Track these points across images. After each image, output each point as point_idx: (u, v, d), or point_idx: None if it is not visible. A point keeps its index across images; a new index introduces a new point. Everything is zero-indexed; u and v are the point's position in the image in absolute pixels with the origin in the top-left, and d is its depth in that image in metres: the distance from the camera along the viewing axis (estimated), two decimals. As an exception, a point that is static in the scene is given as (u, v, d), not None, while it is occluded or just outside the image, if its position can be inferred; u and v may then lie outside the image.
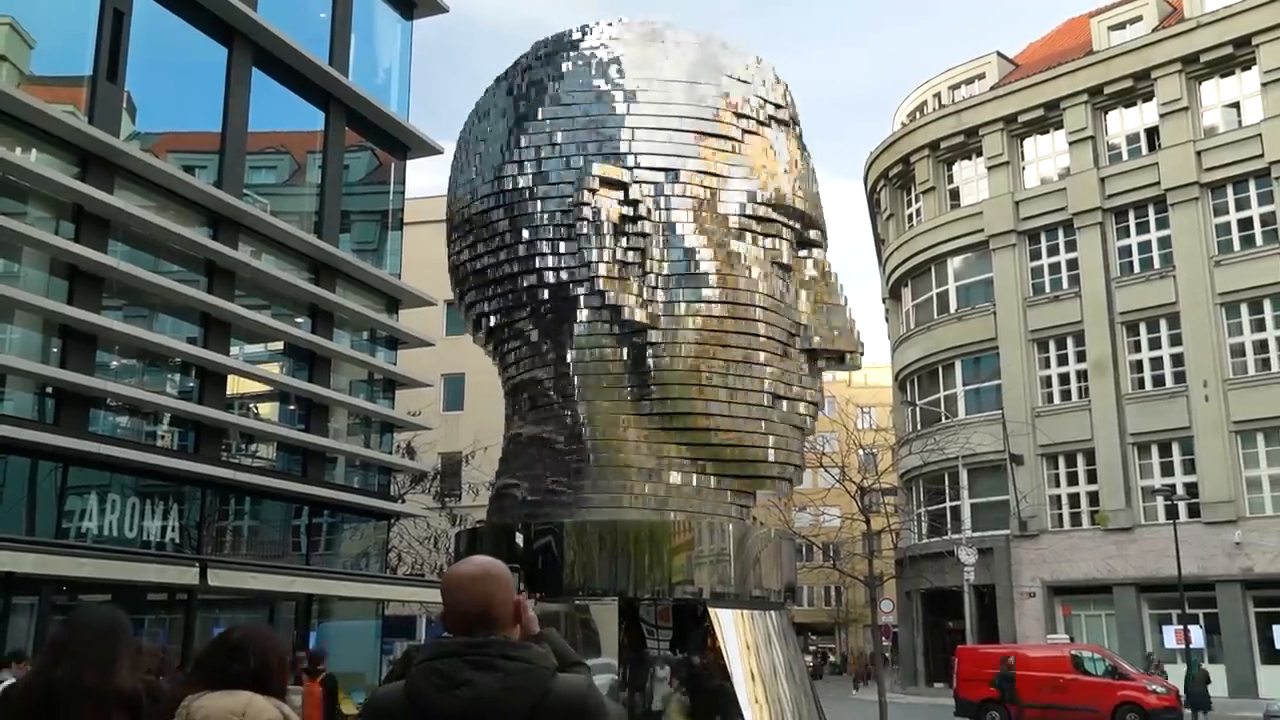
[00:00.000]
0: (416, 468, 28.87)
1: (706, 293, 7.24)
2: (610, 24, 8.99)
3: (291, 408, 22.00)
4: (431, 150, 25.83)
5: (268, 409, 22.12)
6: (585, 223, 7.37)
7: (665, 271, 7.15)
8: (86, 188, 16.63)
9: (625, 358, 8.64)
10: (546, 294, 8.92)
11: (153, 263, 18.41)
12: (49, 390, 16.61)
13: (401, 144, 25.38)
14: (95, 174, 17.15)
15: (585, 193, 7.33)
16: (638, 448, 8.67)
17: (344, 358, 22.75)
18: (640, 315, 7.09)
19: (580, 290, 8.50)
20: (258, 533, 21.29)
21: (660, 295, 6.92)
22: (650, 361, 8.28)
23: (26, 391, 16.49)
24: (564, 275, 8.40)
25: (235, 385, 20.31)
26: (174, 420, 19.19)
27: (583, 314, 8.56)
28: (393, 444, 26.80)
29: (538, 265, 8.93)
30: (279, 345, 21.86)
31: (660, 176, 7.08)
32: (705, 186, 7.34)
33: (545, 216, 8.48)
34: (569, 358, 8.92)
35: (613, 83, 8.65)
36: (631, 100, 8.80)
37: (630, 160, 7.40)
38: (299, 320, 21.92)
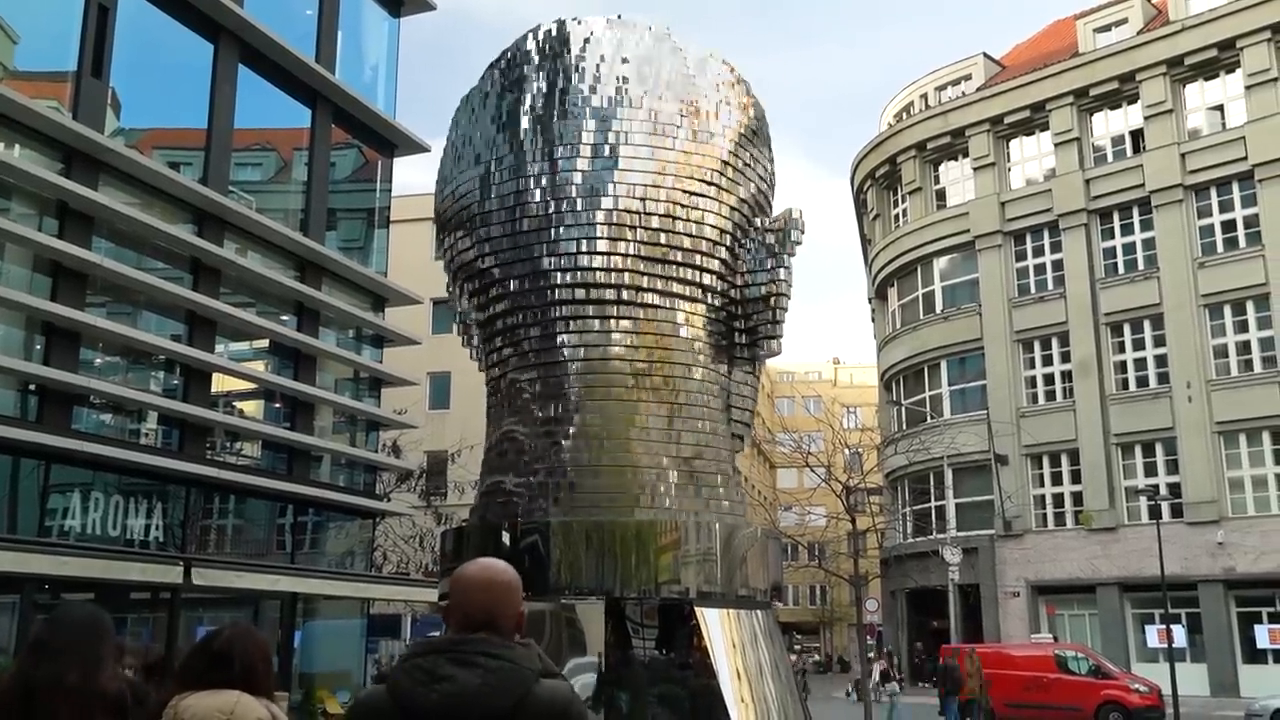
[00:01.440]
0: (402, 466, 28.80)
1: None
2: (617, 23, 9.03)
3: (277, 406, 21.91)
4: (419, 148, 25.76)
5: (253, 407, 22.03)
6: (777, 241, 8.02)
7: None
8: (70, 184, 16.52)
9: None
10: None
11: (137, 260, 18.30)
12: (32, 387, 16.50)
13: (388, 142, 25.31)
14: (79, 170, 17.04)
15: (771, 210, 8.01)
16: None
17: (330, 356, 22.67)
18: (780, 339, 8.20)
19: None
20: (242, 531, 21.20)
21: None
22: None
23: (9, 388, 16.37)
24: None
25: (220, 383, 20.21)
26: (158, 418, 19.09)
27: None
28: (378, 442, 26.72)
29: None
30: (264, 343, 21.77)
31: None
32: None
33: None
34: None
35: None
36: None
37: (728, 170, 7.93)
38: (284, 318, 21.83)
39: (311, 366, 22.23)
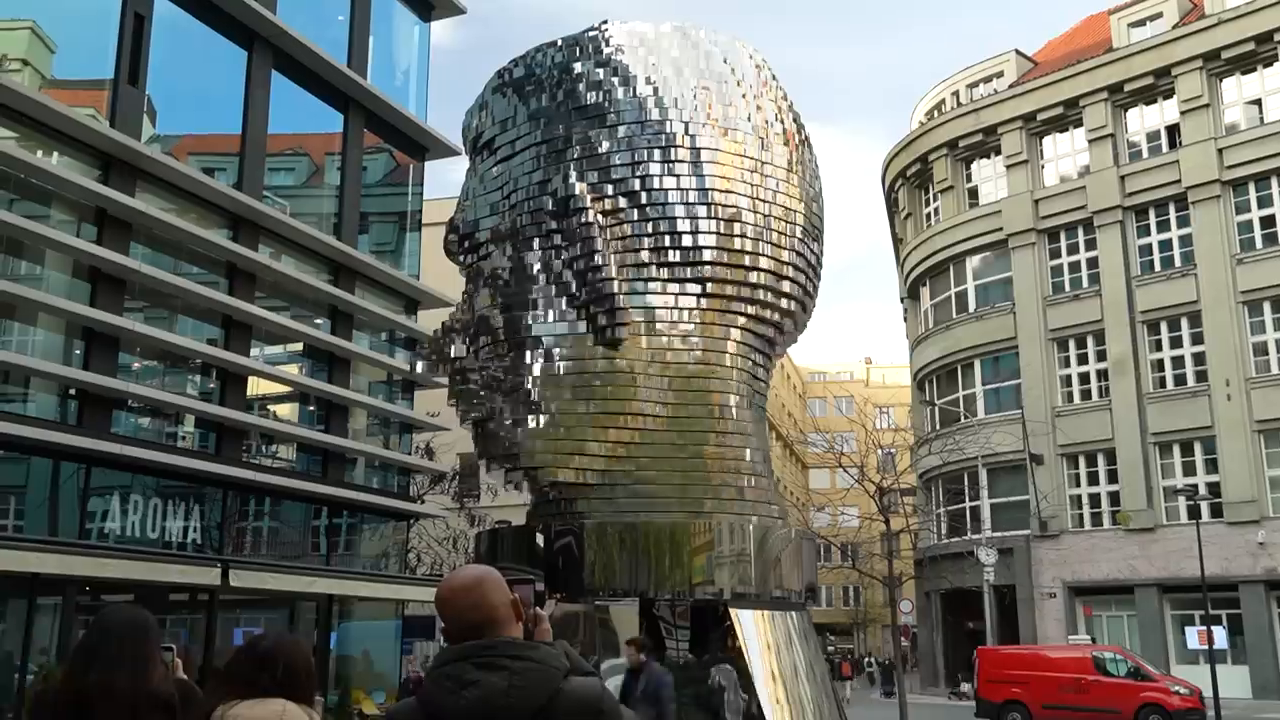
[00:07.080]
0: (435, 468, 28.92)
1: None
2: (688, 27, 9.03)
3: (311, 409, 22.08)
4: (450, 151, 25.89)
5: (287, 410, 22.21)
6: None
7: None
8: (108, 191, 16.74)
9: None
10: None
11: (174, 265, 18.53)
12: (72, 392, 16.73)
13: (420, 145, 25.45)
14: (117, 177, 17.27)
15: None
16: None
17: (363, 359, 22.82)
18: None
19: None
20: (278, 533, 21.38)
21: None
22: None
23: (49, 393, 16.61)
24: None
25: (255, 386, 20.40)
26: (195, 421, 19.30)
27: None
28: (411, 445, 26.85)
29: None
30: (299, 346, 21.95)
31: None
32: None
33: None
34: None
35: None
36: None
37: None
38: (318, 321, 22.01)
39: (345, 369, 22.39)
